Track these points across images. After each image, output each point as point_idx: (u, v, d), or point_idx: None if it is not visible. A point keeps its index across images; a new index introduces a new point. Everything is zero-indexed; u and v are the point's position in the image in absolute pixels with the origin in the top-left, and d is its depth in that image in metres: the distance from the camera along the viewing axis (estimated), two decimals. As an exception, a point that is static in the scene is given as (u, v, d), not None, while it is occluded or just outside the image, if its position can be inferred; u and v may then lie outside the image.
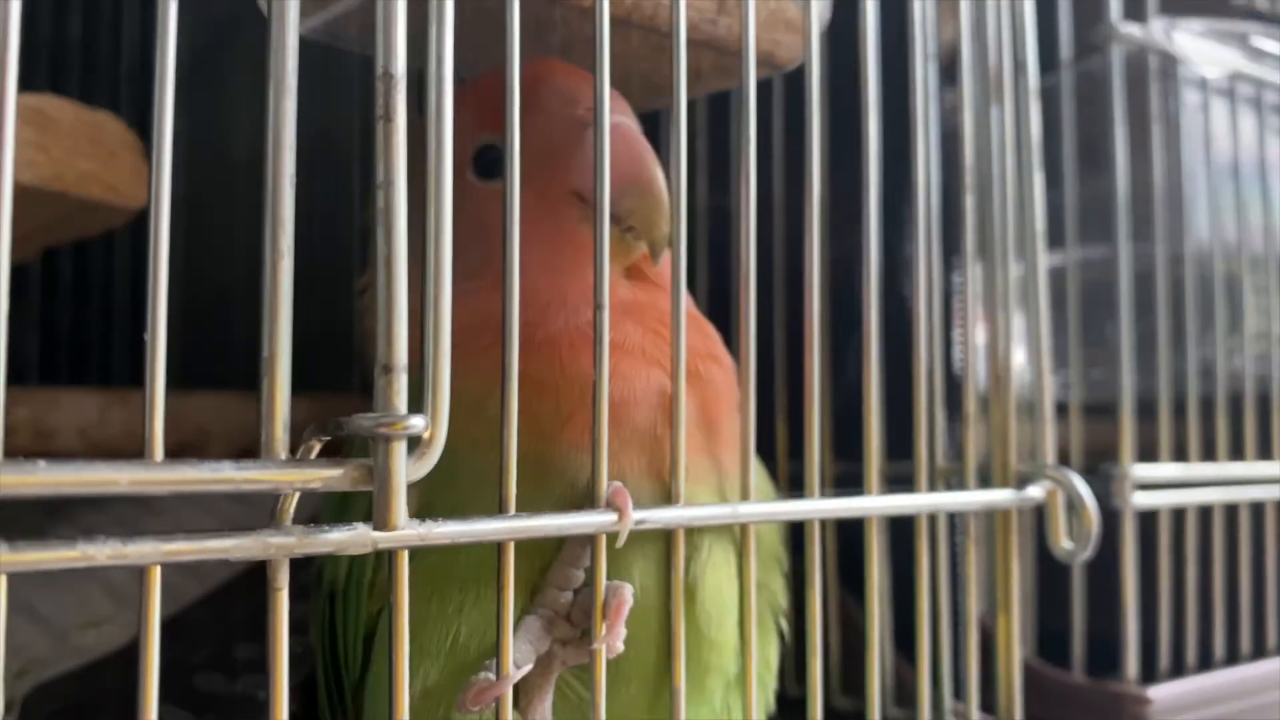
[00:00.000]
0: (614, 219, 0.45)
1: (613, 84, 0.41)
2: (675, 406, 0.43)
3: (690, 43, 0.44)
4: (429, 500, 0.37)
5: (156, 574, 0.30)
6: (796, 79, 0.53)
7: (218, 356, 0.70)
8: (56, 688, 0.55)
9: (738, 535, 0.47)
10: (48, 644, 0.56)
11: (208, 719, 0.50)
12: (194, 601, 0.58)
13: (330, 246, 0.85)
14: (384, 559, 0.36)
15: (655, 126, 0.54)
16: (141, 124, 0.56)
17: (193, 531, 0.31)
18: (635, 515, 0.40)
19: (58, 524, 0.60)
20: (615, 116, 0.45)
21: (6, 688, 0.51)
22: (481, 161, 0.49)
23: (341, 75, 0.84)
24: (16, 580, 0.28)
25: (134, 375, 0.84)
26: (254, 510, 0.62)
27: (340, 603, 0.48)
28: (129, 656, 0.57)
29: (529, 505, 0.38)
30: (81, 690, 0.55)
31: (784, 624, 0.53)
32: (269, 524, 0.33)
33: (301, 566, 0.34)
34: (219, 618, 0.56)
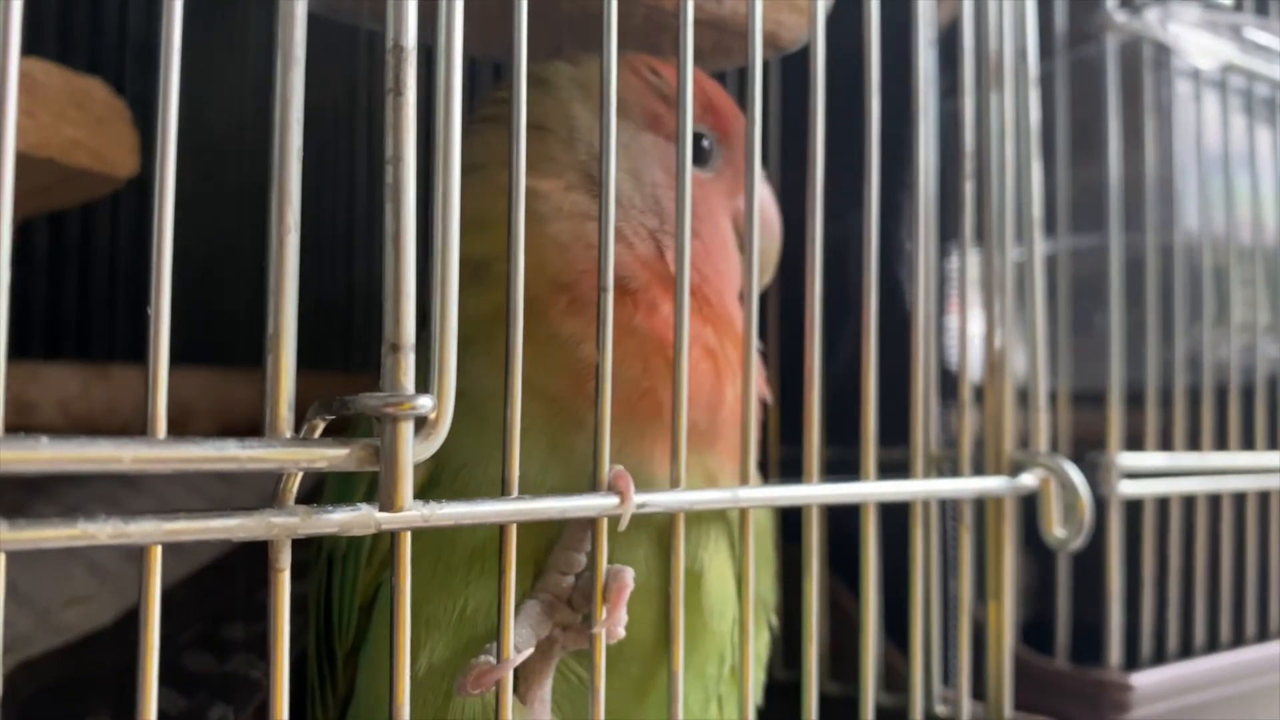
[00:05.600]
0: None
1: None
2: (676, 391, 0.42)
3: (694, 22, 0.43)
4: None
5: (157, 554, 0.30)
6: (794, 61, 0.53)
7: (199, 331, 0.69)
8: (40, 666, 0.54)
9: (735, 531, 0.47)
10: (30, 622, 0.55)
11: (199, 698, 0.49)
12: (179, 580, 0.57)
13: (323, 223, 0.84)
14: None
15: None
16: (119, 90, 0.55)
17: (193, 511, 0.30)
18: (636, 499, 0.40)
19: (37, 500, 0.59)
20: None
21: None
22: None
23: (343, 47, 0.83)
24: (-1, 557, 0.27)
25: (110, 350, 0.83)
26: (239, 489, 0.61)
27: (338, 569, 0.48)
28: (113, 634, 0.57)
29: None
30: (66, 668, 0.54)
31: (774, 619, 0.53)
32: (266, 503, 0.32)
33: (300, 544, 0.33)
34: (205, 597, 0.55)
